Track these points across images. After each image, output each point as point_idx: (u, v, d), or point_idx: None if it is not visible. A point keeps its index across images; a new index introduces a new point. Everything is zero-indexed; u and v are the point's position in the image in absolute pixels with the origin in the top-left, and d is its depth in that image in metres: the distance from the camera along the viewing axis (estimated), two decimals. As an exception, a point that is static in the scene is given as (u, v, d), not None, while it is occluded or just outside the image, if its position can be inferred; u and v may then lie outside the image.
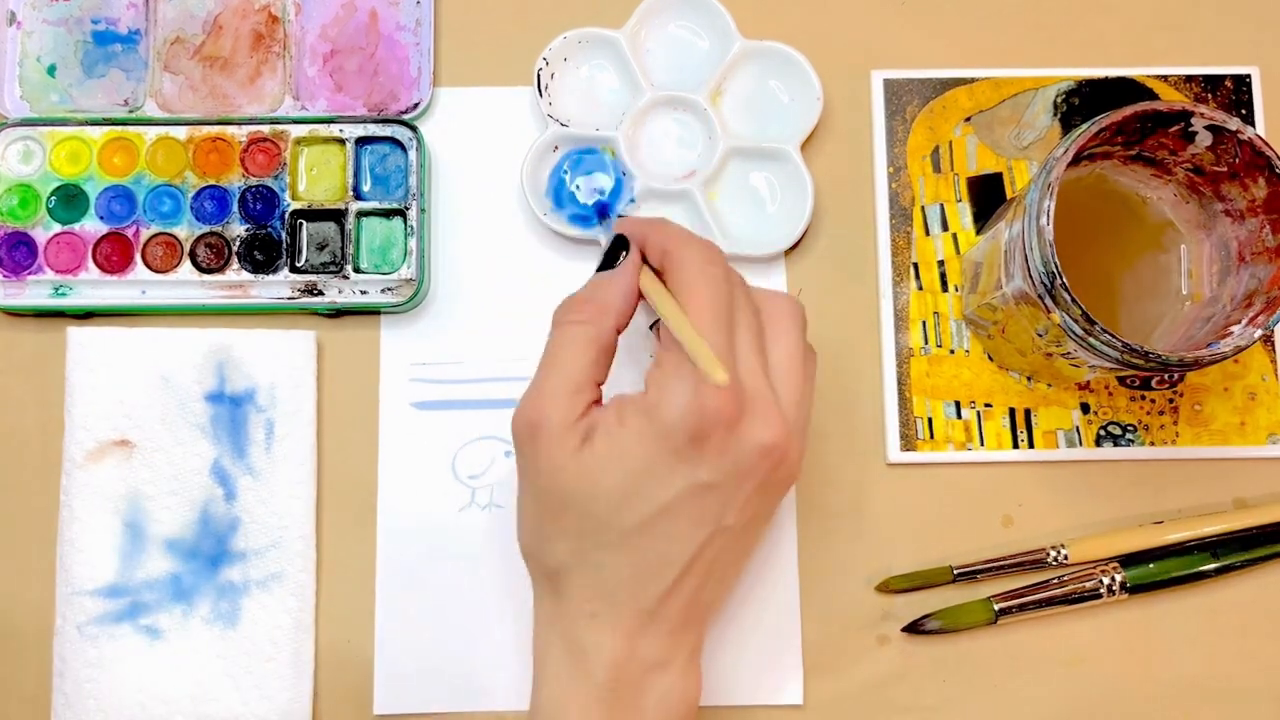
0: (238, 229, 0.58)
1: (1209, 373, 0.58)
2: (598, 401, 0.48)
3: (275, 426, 0.57)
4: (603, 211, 0.59)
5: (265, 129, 0.59)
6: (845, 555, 0.57)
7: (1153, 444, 0.58)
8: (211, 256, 0.58)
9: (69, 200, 0.59)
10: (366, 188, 0.59)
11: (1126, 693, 0.56)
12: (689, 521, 0.46)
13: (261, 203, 0.59)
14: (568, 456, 0.46)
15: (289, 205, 0.58)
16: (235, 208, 0.58)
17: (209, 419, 0.57)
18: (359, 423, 0.58)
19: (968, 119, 0.60)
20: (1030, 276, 0.49)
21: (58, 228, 0.58)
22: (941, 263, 0.59)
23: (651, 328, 0.53)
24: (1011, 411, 0.58)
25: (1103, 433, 0.58)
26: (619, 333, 0.49)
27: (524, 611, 0.56)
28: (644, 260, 0.50)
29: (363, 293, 0.58)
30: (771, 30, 0.60)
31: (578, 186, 0.59)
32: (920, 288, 0.59)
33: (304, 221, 0.59)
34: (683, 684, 0.48)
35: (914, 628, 0.56)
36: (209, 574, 0.56)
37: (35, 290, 0.58)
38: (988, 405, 0.58)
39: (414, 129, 0.59)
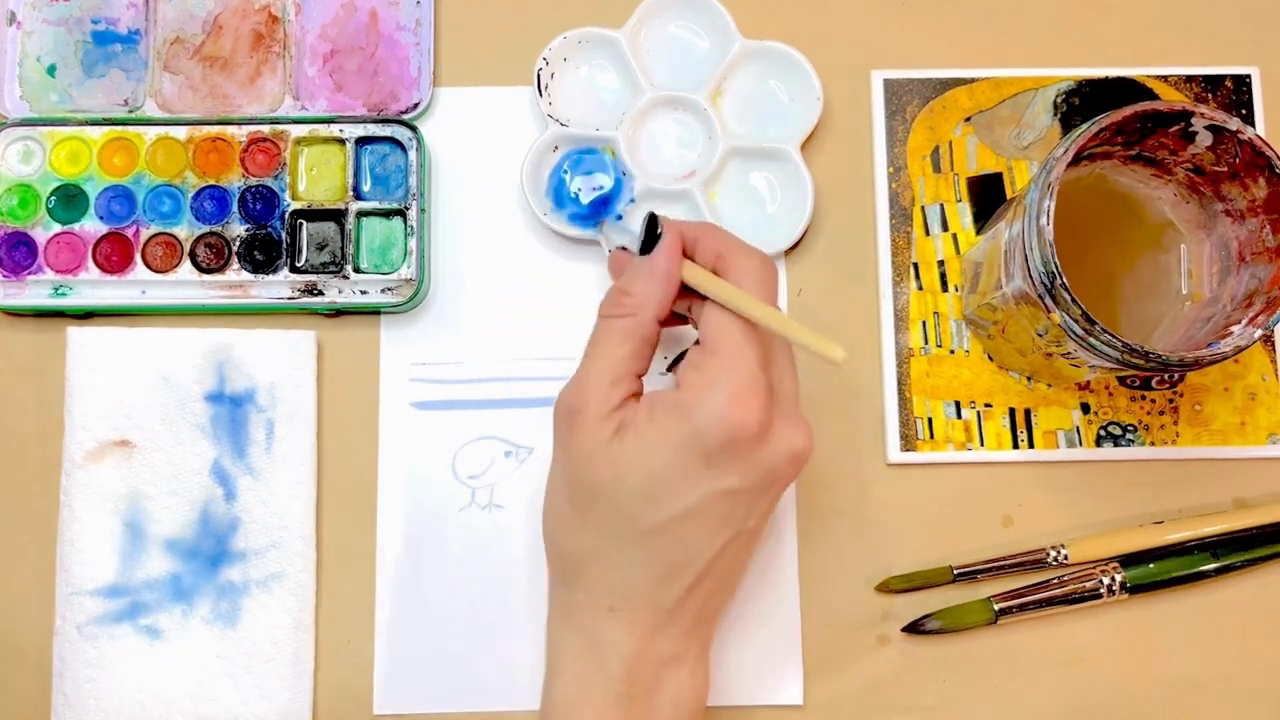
0: (238, 229, 0.58)
1: (1209, 373, 0.58)
2: (636, 395, 0.48)
3: (275, 426, 0.57)
4: (599, 209, 0.59)
5: (265, 129, 0.59)
6: (845, 555, 0.57)
7: (1153, 444, 0.58)
8: (211, 256, 0.58)
9: (69, 200, 0.59)
10: (366, 188, 0.59)
11: (1126, 693, 0.56)
12: (712, 525, 0.46)
13: (261, 203, 0.59)
14: (599, 446, 0.46)
15: (289, 205, 0.58)
16: (235, 208, 0.58)
17: (209, 419, 0.57)
18: (359, 423, 0.58)
19: (968, 119, 0.60)
20: (1030, 276, 0.49)
21: (58, 228, 0.58)
22: (941, 263, 0.59)
23: (670, 369, 0.52)
24: (1011, 411, 0.58)
25: (1103, 433, 0.58)
26: (660, 324, 0.49)
27: (524, 611, 0.56)
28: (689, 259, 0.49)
29: (363, 293, 0.58)
30: (771, 30, 0.60)
31: (579, 188, 0.59)
32: (920, 288, 0.59)
33: (304, 221, 0.59)
34: (693, 681, 0.48)
35: (914, 628, 0.56)
36: (209, 574, 0.56)
37: (35, 290, 0.58)
38: (988, 405, 0.58)
39: (414, 129, 0.59)
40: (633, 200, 0.59)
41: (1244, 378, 0.58)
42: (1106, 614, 0.57)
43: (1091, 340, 0.48)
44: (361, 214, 0.59)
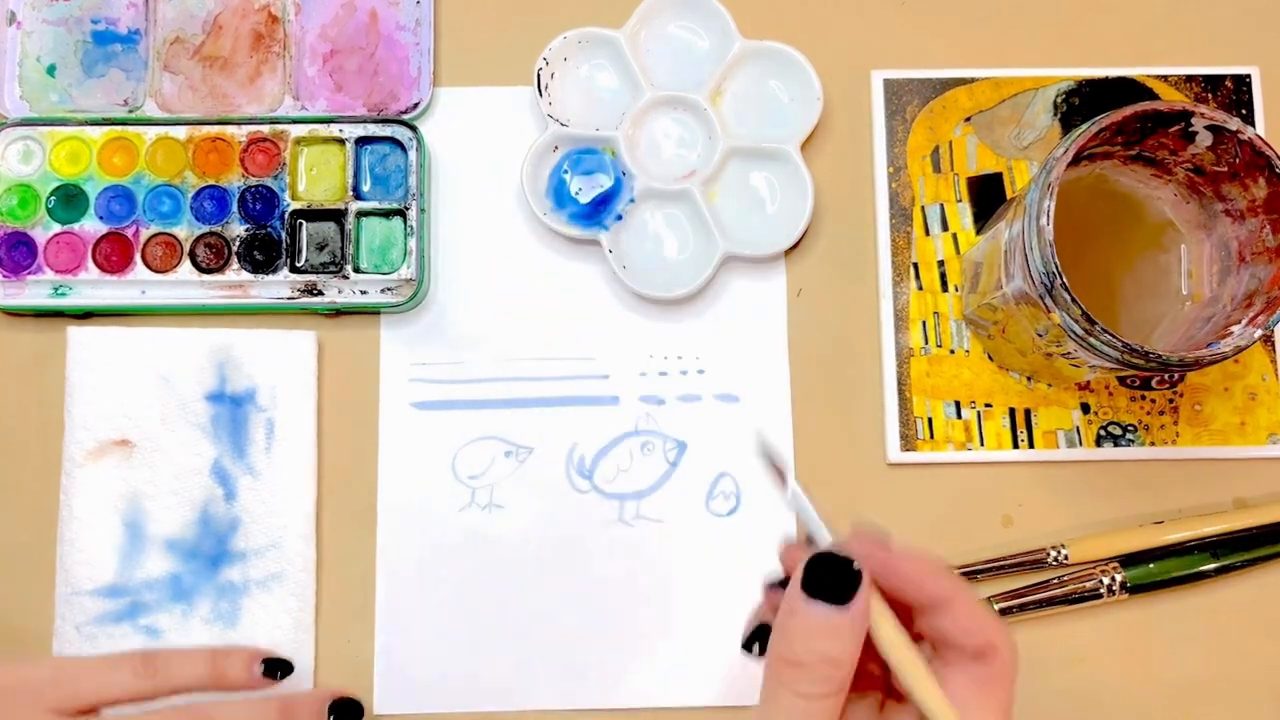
0: (237, 229, 0.58)
1: (1209, 373, 0.58)
2: None
3: (276, 427, 0.57)
4: (599, 209, 0.59)
5: (265, 129, 0.59)
6: (845, 555, 0.57)
7: (1153, 444, 0.58)
8: (211, 256, 0.58)
9: (69, 200, 0.59)
10: (366, 188, 0.59)
11: (1126, 693, 0.56)
12: None
13: (261, 203, 0.59)
14: None
15: (289, 205, 0.58)
16: (235, 208, 0.58)
17: (209, 419, 0.57)
18: (359, 423, 0.58)
19: (968, 119, 0.60)
20: (1030, 276, 0.49)
21: (57, 228, 0.58)
22: (941, 263, 0.59)
23: (747, 647, 0.42)
24: (1011, 411, 0.58)
25: (1103, 433, 0.58)
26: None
27: (524, 610, 0.56)
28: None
29: (362, 293, 0.58)
30: (771, 30, 0.60)
31: (579, 188, 0.59)
32: (920, 288, 0.59)
33: (304, 221, 0.59)
34: None
35: (914, 628, 0.56)
36: (209, 574, 0.56)
37: (35, 290, 0.58)
38: (988, 405, 0.58)
39: (414, 129, 0.59)
40: (633, 200, 0.59)
41: (1244, 378, 0.58)
42: (1106, 614, 0.57)
43: (1091, 340, 0.48)
44: (361, 214, 0.59)
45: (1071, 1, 0.61)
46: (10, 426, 0.58)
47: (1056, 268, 0.47)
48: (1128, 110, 0.48)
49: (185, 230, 0.58)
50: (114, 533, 0.56)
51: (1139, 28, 0.61)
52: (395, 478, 0.57)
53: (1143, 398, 0.58)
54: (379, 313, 0.59)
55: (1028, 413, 0.58)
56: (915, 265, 0.59)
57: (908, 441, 0.58)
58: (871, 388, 0.58)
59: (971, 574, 0.56)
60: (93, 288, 0.58)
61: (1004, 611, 0.55)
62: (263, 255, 0.58)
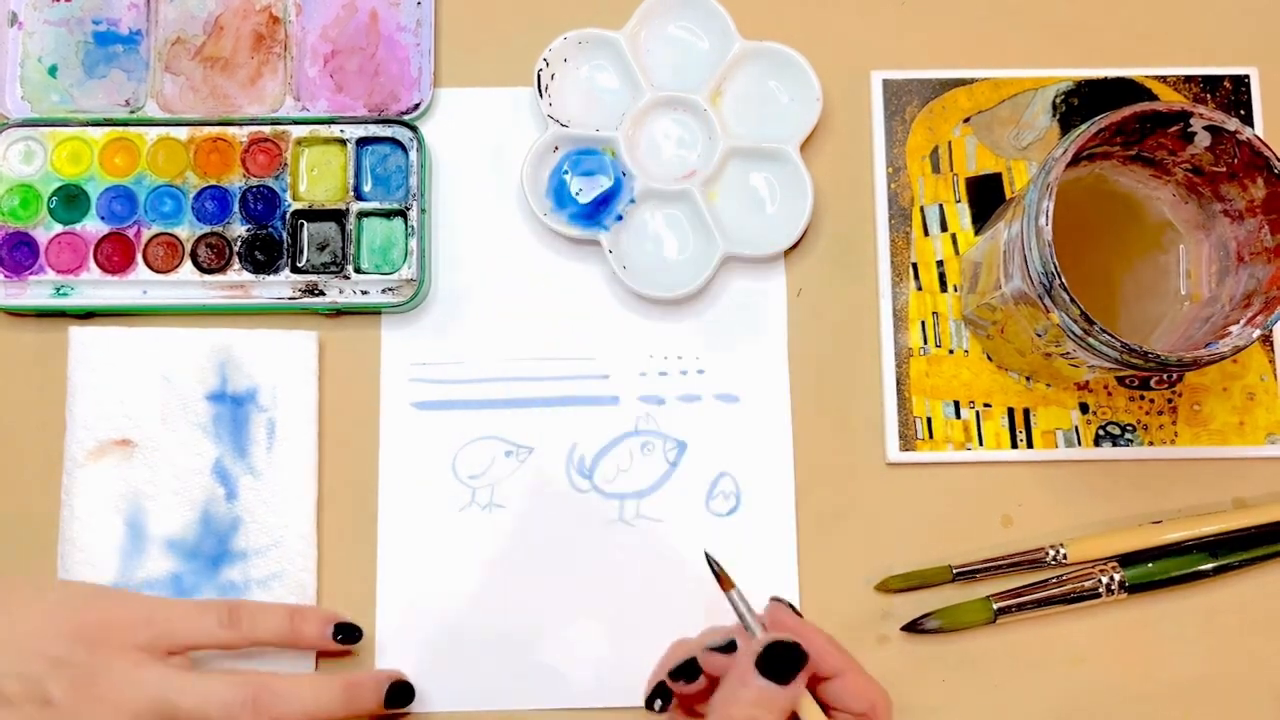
0: (239, 229, 0.58)
1: (1208, 373, 0.58)
2: None
3: (277, 427, 0.57)
4: (599, 209, 0.59)
5: (266, 129, 0.59)
6: (845, 555, 0.57)
7: (1151, 444, 0.58)
8: (212, 257, 0.58)
9: (70, 200, 0.59)
10: (367, 188, 0.59)
11: (1126, 692, 0.56)
12: None
13: (262, 203, 0.59)
14: None
15: (290, 205, 0.59)
16: (236, 208, 0.59)
17: (210, 419, 0.57)
18: (360, 422, 0.58)
19: (967, 119, 0.60)
20: (1029, 277, 0.49)
21: (59, 228, 0.58)
22: (940, 263, 0.59)
23: (650, 706, 0.49)
24: (1010, 411, 0.58)
25: (1102, 432, 0.58)
26: None
27: (524, 609, 0.56)
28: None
29: (363, 293, 0.58)
30: (771, 31, 0.60)
31: (579, 188, 0.59)
32: (919, 288, 0.59)
33: (305, 222, 0.59)
34: None
35: (913, 627, 0.56)
36: (210, 573, 0.56)
37: (36, 290, 0.58)
38: (987, 405, 0.58)
39: (414, 129, 0.59)
40: (633, 200, 0.59)
41: (1242, 378, 0.58)
42: (1105, 613, 0.57)
43: (1090, 340, 0.48)
44: (362, 214, 0.59)
45: (1071, 2, 0.62)
46: (12, 426, 0.58)
47: (1055, 268, 0.47)
48: (1127, 111, 0.48)
49: (186, 230, 0.58)
50: (115, 532, 0.56)
51: (1138, 28, 0.61)
52: (396, 477, 0.57)
53: (1141, 398, 0.58)
54: (380, 313, 0.59)
55: (1027, 412, 0.58)
56: (914, 265, 0.59)
57: (907, 441, 0.58)
58: (871, 388, 0.58)
59: (971, 574, 0.56)
60: (94, 288, 0.58)
61: (1003, 611, 0.56)
62: (264, 255, 0.58)
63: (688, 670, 0.48)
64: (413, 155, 0.59)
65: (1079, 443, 0.58)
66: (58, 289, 0.58)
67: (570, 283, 0.59)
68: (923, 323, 0.59)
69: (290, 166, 0.59)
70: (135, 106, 0.60)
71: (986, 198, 0.60)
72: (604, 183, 0.59)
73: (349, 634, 0.54)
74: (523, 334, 0.59)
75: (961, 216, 0.60)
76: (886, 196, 0.60)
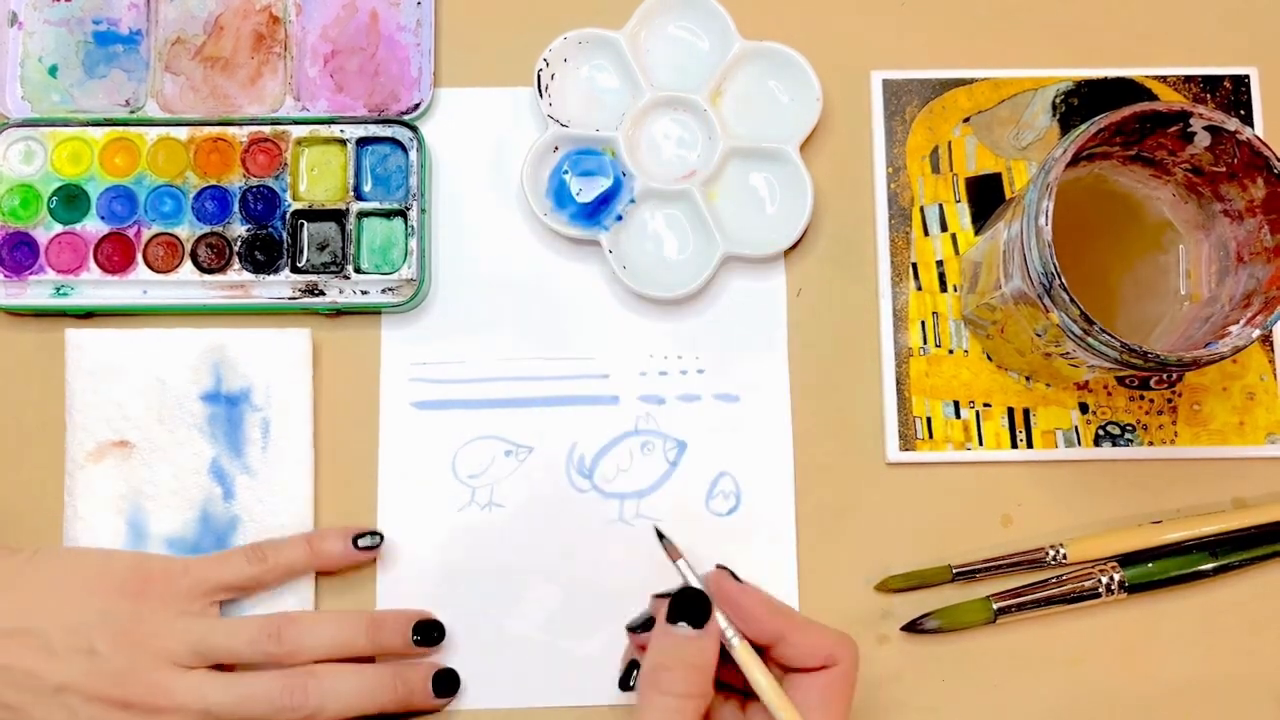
0: (239, 229, 0.58)
1: (1207, 372, 0.58)
2: None
3: (271, 425, 0.57)
4: (599, 209, 0.59)
5: (266, 129, 0.59)
6: (844, 555, 0.57)
7: (1151, 444, 0.58)
8: (212, 257, 0.58)
9: (70, 200, 0.59)
10: (367, 188, 0.59)
11: (1125, 692, 0.56)
12: None
13: (262, 203, 0.59)
14: None
15: (290, 205, 0.59)
16: (236, 208, 0.59)
17: (206, 419, 0.57)
18: (359, 422, 0.58)
19: (967, 119, 0.60)
20: (1029, 277, 0.49)
21: (59, 228, 0.58)
22: (940, 263, 0.59)
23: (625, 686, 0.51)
24: (1010, 411, 0.58)
25: (1101, 432, 0.58)
26: None
27: (524, 609, 0.56)
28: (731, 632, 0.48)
29: (363, 293, 0.58)
30: (771, 31, 0.60)
31: (579, 188, 0.59)
32: (919, 288, 0.59)
33: (305, 222, 0.59)
34: None
35: (913, 627, 0.56)
36: (210, 573, 0.56)
37: (37, 290, 0.58)
38: (986, 405, 0.58)
39: (414, 129, 0.59)
40: (633, 200, 0.59)
41: (1242, 378, 0.58)
42: (1105, 613, 0.57)
43: (1090, 340, 0.48)
44: (362, 214, 0.59)
45: (1071, 2, 0.62)
46: (14, 426, 0.58)
47: (1055, 268, 0.47)
48: (1126, 111, 0.48)
49: (187, 230, 0.58)
50: (117, 532, 0.56)
51: (1138, 28, 0.61)
52: (395, 477, 0.58)
53: (1141, 397, 0.58)
54: (380, 313, 0.59)
55: (1026, 412, 0.58)
56: (914, 265, 0.59)
57: (907, 441, 0.58)
58: (871, 387, 0.58)
59: (971, 574, 0.56)
60: (94, 288, 0.58)
61: (1003, 611, 0.56)
62: (264, 255, 0.58)
63: (645, 623, 0.50)
64: (413, 155, 0.59)
65: (1079, 443, 0.58)
66: (58, 289, 0.58)
67: (570, 283, 0.59)
68: (922, 323, 0.59)
69: (290, 166, 0.59)
70: (135, 106, 0.60)
71: (986, 198, 0.60)
72: (604, 183, 0.59)
73: (369, 539, 0.55)
74: (523, 334, 0.59)
75: (961, 216, 0.60)
76: (886, 196, 0.60)
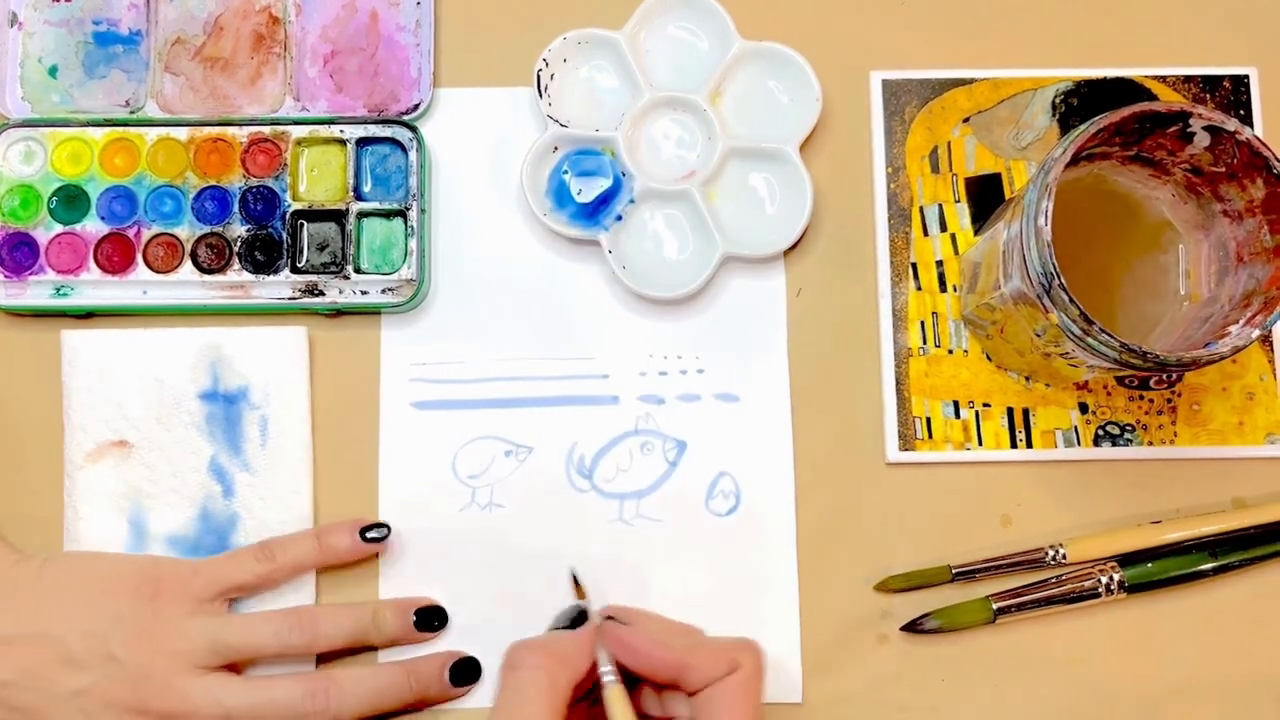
0: (239, 229, 0.58)
1: (1207, 373, 0.58)
2: None
3: (270, 423, 0.57)
4: (598, 209, 0.59)
5: (266, 130, 0.59)
6: (844, 554, 0.57)
7: (1151, 444, 0.58)
8: (212, 257, 0.58)
9: (70, 201, 0.59)
10: (367, 188, 0.59)
11: (1125, 692, 0.56)
12: None
13: (262, 203, 0.59)
14: None
15: (290, 206, 0.59)
16: (236, 208, 0.59)
17: (204, 417, 0.57)
18: (359, 422, 0.58)
19: (966, 119, 0.60)
20: (1028, 277, 0.49)
21: (59, 228, 0.58)
22: (940, 263, 0.59)
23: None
24: (1010, 411, 0.58)
25: (1101, 432, 0.58)
26: (572, 691, 0.48)
27: (523, 609, 0.56)
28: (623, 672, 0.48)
29: (363, 293, 0.58)
30: (771, 31, 0.60)
31: (579, 189, 0.59)
32: (919, 288, 0.59)
33: (305, 222, 0.59)
34: None
35: (913, 627, 0.56)
36: (210, 573, 0.56)
37: (36, 290, 0.58)
38: (986, 405, 0.58)
39: (414, 130, 0.59)
40: (632, 200, 0.59)
41: (1242, 378, 0.58)
42: (1105, 613, 0.57)
43: (1089, 340, 0.48)
44: (362, 214, 0.59)
45: (1071, 2, 0.62)
46: (15, 425, 0.58)
47: (1054, 268, 0.47)
48: (1126, 111, 0.48)
49: (186, 231, 0.58)
50: (118, 531, 0.56)
51: (1137, 28, 0.61)
52: (396, 477, 0.58)
53: (1141, 397, 0.58)
54: (380, 313, 0.59)
55: (1026, 412, 0.58)
56: (914, 265, 0.59)
57: (906, 441, 0.58)
58: (870, 387, 0.58)
59: (970, 574, 0.56)
60: (94, 288, 0.58)
61: (1002, 611, 0.56)
62: (264, 256, 0.58)
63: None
64: (412, 155, 0.59)
65: (1078, 442, 0.58)
66: (58, 289, 0.58)
67: (570, 283, 0.59)
68: (922, 323, 0.59)
69: (290, 167, 0.59)
70: (135, 107, 0.60)
71: (986, 198, 0.60)
72: (603, 183, 0.59)
73: (377, 531, 0.55)
74: (522, 334, 0.59)
75: (961, 216, 0.60)
76: (886, 196, 0.60)
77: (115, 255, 0.58)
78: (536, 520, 0.57)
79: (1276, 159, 0.49)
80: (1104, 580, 0.56)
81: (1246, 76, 0.60)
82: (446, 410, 0.58)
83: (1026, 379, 0.58)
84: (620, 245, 0.58)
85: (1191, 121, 0.49)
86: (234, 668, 0.53)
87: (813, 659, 0.56)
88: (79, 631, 0.51)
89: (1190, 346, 0.50)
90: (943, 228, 0.59)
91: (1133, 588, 0.56)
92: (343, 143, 0.59)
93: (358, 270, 0.58)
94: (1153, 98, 0.60)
